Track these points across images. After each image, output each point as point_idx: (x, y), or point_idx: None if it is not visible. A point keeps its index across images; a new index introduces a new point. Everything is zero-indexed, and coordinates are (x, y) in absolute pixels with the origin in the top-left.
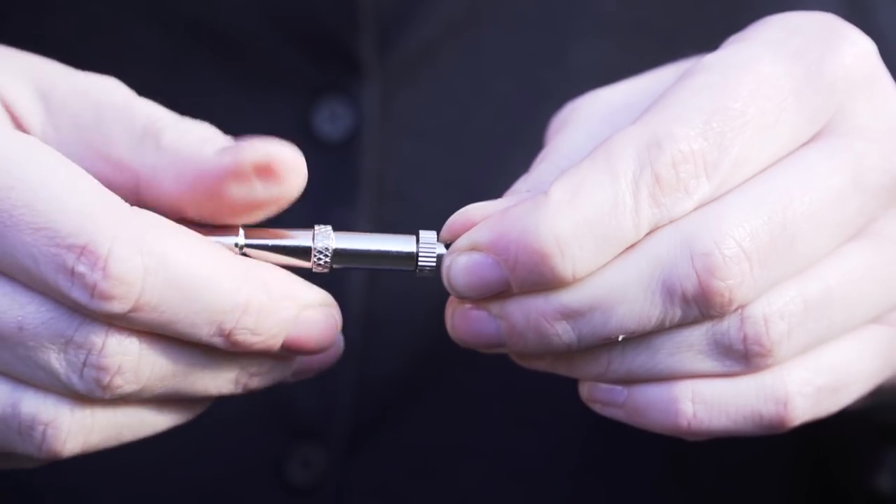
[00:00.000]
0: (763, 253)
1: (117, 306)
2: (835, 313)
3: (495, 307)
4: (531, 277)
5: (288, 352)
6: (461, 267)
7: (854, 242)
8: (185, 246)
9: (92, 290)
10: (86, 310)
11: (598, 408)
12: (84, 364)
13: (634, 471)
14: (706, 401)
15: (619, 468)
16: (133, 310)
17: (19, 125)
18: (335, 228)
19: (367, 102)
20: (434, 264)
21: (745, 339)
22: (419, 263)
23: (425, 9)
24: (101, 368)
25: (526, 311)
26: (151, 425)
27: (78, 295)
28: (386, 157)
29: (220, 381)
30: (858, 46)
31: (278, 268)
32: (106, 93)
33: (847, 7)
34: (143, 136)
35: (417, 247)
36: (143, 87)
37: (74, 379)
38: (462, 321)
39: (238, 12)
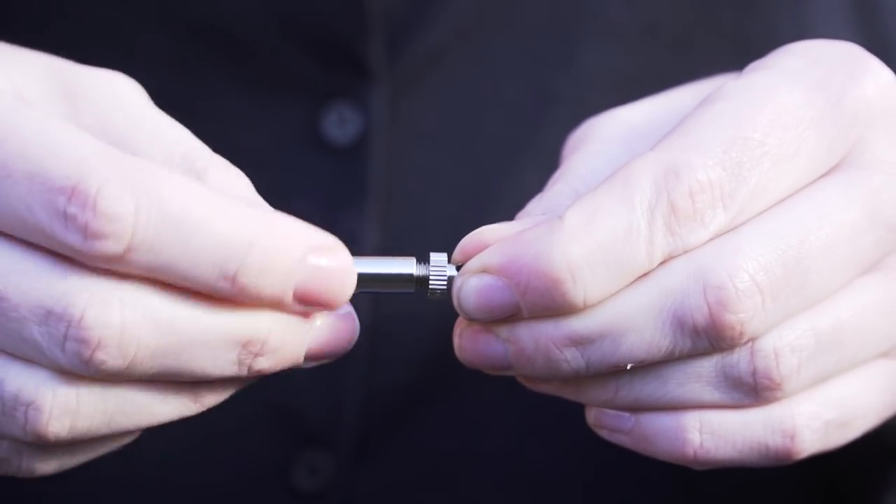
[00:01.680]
0: (776, 287)
1: (111, 246)
2: (845, 348)
3: (504, 330)
4: (542, 302)
5: (303, 304)
6: (472, 289)
7: (867, 277)
8: (181, 186)
9: (84, 230)
10: (82, 256)
11: (604, 433)
12: (65, 337)
13: (645, 483)
14: (713, 431)
15: (629, 479)
16: (128, 250)
17: None
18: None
19: (376, 107)
20: (445, 286)
21: (754, 373)
22: (430, 286)
23: (434, 14)
24: (81, 341)
25: (535, 336)
26: (149, 413)
27: (72, 238)
28: (394, 161)
29: (219, 360)
30: (880, 78)
31: (278, 212)
32: (135, 108)
33: (855, 14)
34: (183, 166)
35: (428, 269)
36: (153, 91)
37: (57, 353)
38: (470, 343)
39: (247, 17)
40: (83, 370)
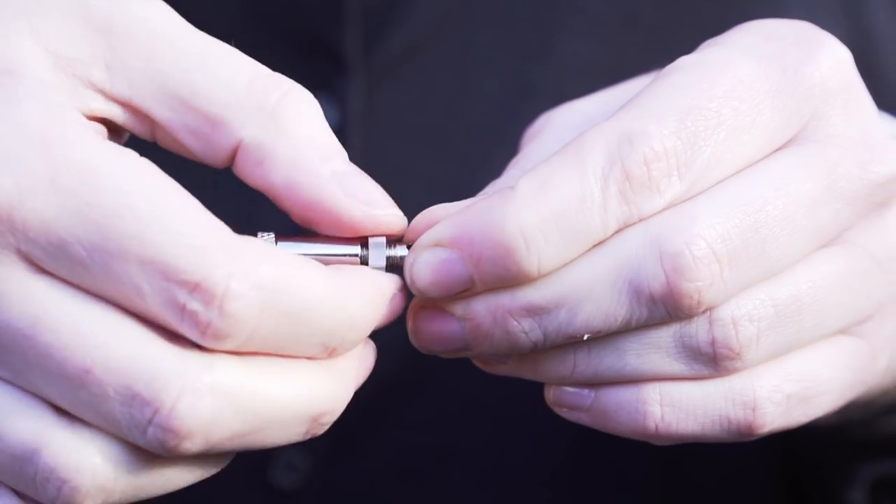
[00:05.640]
0: (734, 255)
1: (229, 344)
2: (805, 319)
3: (459, 307)
4: (496, 272)
5: None
6: (424, 263)
7: (827, 249)
8: (296, 274)
9: (205, 328)
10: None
11: (564, 412)
12: (150, 422)
13: (624, 476)
14: (674, 403)
15: (609, 473)
16: (243, 345)
17: (77, 73)
18: (281, 234)
19: (352, 99)
20: (382, 267)
21: (713, 342)
22: (369, 266)
23: (411, 6)
24: (169, 431)
25: (492, 309)
26: (175, 483)
27: (187, 331)
28: (370, 154)
29: (290, 434)
30: (835, 54)
31: (360, 268)
32: (178, 35)
33: (839, 7)
34: (252, 102)
35: (365, 250)
36: None
37: (136, 435)
38: (424, 325)
39: (224, 8)
40: (159, 452)
